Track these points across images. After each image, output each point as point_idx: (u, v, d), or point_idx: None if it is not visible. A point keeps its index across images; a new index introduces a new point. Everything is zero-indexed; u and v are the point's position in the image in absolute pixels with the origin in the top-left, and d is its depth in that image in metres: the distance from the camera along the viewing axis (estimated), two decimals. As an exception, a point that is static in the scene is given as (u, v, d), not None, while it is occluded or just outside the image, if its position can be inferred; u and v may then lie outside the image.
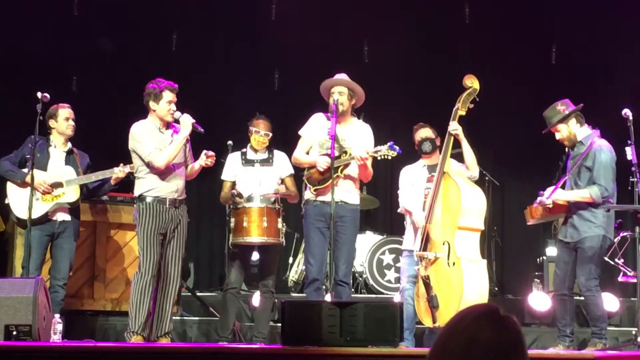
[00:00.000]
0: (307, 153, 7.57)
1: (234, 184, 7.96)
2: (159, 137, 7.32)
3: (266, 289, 7.89)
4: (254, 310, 9.00)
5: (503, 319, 2.21)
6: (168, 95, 7.30)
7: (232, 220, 7.68)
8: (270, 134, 7.99)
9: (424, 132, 7.82)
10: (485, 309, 2.23)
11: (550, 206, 7.31)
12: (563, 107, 7.37)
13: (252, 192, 7.74)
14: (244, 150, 8.07)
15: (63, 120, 7.86)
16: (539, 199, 7.33)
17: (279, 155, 8.07)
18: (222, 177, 8.05)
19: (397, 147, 7.18)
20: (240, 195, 7.68)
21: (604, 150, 7.24)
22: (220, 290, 8.88)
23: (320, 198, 7.36)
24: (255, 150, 8.02)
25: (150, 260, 7.16)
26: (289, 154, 7.75)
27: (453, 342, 2.19)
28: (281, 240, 7.76)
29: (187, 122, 7.26)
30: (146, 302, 7.14)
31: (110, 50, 10.79)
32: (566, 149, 7.64)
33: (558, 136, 7.43)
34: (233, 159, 8.06)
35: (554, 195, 7.29)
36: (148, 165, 7.25)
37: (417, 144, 7.82)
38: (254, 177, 7.89)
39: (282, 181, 8.00)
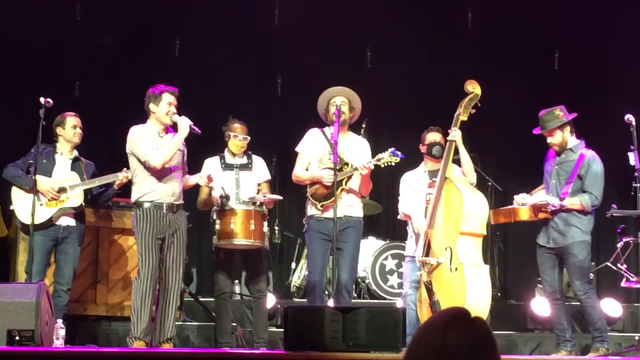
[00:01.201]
0: (306, 169, 7.58)
1: (211, 188, 7.91)
2: (157, 141, 7.31)
3: (260, 294, 7.87)
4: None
5: (472, 321, 2.22)
6: (167, 98, 7.31)
7: (218, 222, 7.62)
8: (249, 138, 7.99)
9: (434, 136, 7.79)
10: (454, 312, 2.25)
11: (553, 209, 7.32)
12: (561, 113, 7.40)
13: (233, 198, 7.74)
14: (222, 154, 8.03)
15: (70, 128, 7.90)
16: (552, 202, 7.26)
17: (257, 160, 8.08)
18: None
19: (399, 153, 7.19)
20: (227, 197, 7.65)
21: (596, 160, 7.36)
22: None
23: (325, 214, 7.35)
24: (234, 155, 8.01)
25: (149, 266, 7.16)
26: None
27: (424, 348, 2.21)
28: (265, 244, 7.73)
29: (184, 123, 7.25)
30: (147, 307, 7.15)
31: (109, 44, 10.82)
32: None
33: (550, 140, 7.45)
34: (211, 164, 7.97)
35: (551, 199, 7.30)
36: (144, 165, 7.25)
37: (427, 146, 7.80)
38: (234, 182, 7.87)
39: (259, 186, 7.99)
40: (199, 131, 7.32)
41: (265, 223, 7.66)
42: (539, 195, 7.48)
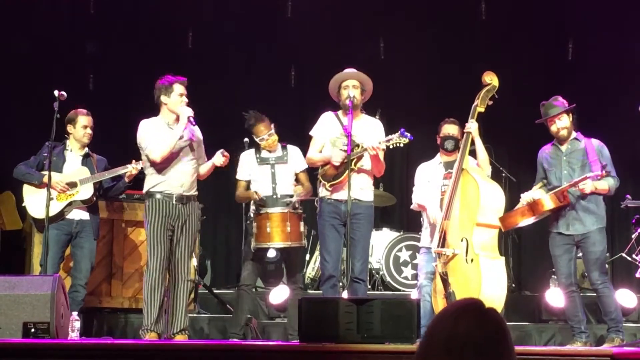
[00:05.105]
0: (320, 152, 7.58)
1: (249, 182, 7.94)
2: (167, 133, 7.26)
3: (296, 286, 7.92)
4: (271, 307, 9.01)
5: (484, 311, 2.23)
6: (179, 89, 7.28)
7: (255, 225, 7.64)
8: (273, 132, 7.95)
9: (449, 129, 7.77)
10: (466, 303, 2.26)
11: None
12: (563, 101, 7.44)
13: (270, 192, 7.76)
14: (258, 147, 8.04)
15: (81, 128, 7.90)
16: (591, 176, 7.15)
17: (292, 151, 8.05)
18: (237, 177, 8.01)
19: (408, 134, 7.16)
20: (262, 201, 7.66)
21: (604, 146, 7.42)
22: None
23: (334, 196, 7.36)
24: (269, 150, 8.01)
25: (157, 257, 7.16)
26: (305, 152, 7.75)
27: (435, 337, 2.22)
28: (303, 242, 7.76)
29: (184, 115, 7.19)
30: (157, 298, 7.15)
31: (96, 53, 10.83)
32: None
33: (559, 125, 7.43)
34: (247, 158, 8.00)
35: (588, 174, 7.19)
36: (148, 158, 7.26)
37: (441, 139, 7.79)
38: (270, 177, 7.88)
39: (297, 177, 7.99)
40: (194, 123, 7.27)
41: (302, 223, 7.67)
42: (539, 193, 7.44)
